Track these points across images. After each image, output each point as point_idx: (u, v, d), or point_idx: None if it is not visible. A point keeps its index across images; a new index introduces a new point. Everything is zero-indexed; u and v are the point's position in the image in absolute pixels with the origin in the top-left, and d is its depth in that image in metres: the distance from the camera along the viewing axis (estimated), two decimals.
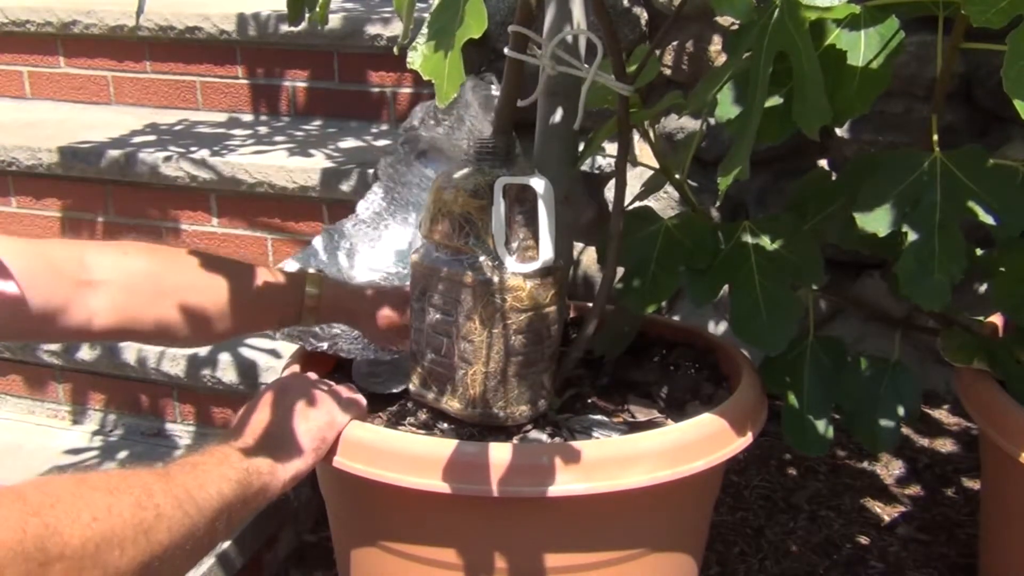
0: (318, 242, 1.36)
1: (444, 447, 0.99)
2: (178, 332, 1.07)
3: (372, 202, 1.40)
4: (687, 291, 1.17)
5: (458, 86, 0.80)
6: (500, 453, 0.98)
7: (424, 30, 0.82)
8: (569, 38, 1.17)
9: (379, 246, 1.36)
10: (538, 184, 1.03)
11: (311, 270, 1.20)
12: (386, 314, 1.20)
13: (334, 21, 1.97)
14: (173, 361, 1.60)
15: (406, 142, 1.45)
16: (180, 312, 1.06)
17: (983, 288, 1.70)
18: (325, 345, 1.23)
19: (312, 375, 1.11)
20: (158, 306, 1.05)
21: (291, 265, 1.31)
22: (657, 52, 1.59)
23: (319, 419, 1.02)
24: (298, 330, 1.23)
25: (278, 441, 0.99)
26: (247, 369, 1.57)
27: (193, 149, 1.83)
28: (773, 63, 0.94)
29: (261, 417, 1.01)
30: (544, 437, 1.09)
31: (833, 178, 1.29)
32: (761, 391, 1.16)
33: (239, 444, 0.96)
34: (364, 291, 1.23)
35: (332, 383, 1.09)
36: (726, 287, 1.15)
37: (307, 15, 1.11)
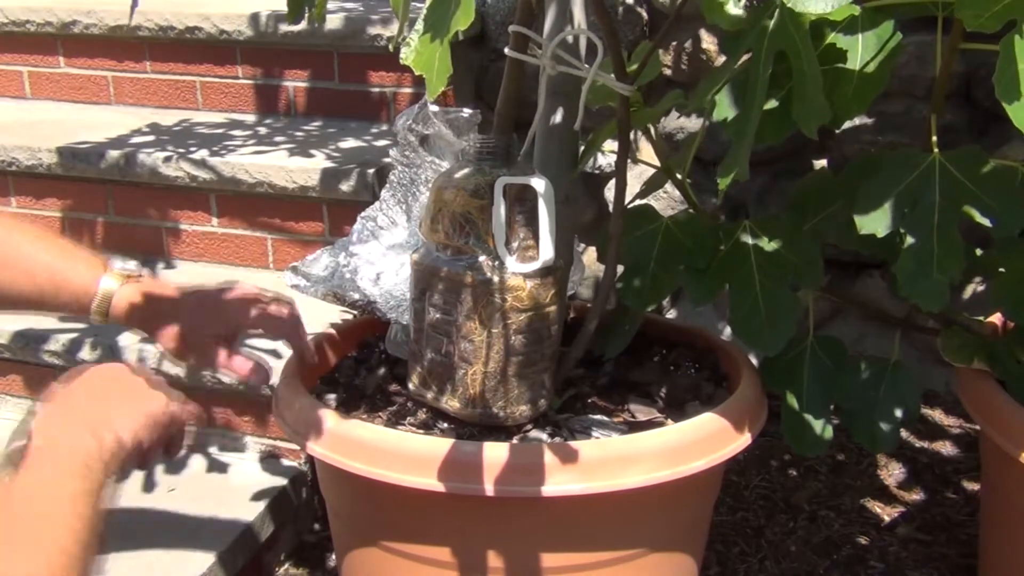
0: (356, 227, 1.37)
1: (442, 447, 0.99)
2: None
3: (393, 184, 1.41)
4: (686, 290, 1.17)
5: (445, 79, 0.82)
6: (497, 452, 0.98)
7: (418, 26, 0.84)
8: (569, 38, 1.17)
9: (399, 222, 1.37)
10: (538, 184, 1.03)
11: (121, 276, 1.10)
12: (173, 332, 1.09)
13: (334, 21, 1.97)
14: None
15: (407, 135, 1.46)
16: None
17: (983, 288, 1.70)
18: (357, 296, 1.25)
19: (128, 364, 1.02)
20: None
21: (319, 260, 1.33)
22: (657, 51, 1.58)
23: (144, 401, 0.93)
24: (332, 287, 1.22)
25: (102, 421, 0.89)
26: None
27: (193, 149, 1.83)
28: (772, 64, 0.94)
29: (77, 399, 0.90)
30: (544, 437, 1.09)
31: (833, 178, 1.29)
32: (761, 391, 1.16)
33: (64, 442, 0.85)
34: (163, 302, 1.11)
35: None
36: (726, 286, 1.16)
37: (307, 14, 1.11)
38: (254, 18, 2.01)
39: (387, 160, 1.50)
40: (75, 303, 1.08)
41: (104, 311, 1.08)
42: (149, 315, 1.09)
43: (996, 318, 1.32)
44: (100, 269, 1.09)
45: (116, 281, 1.09)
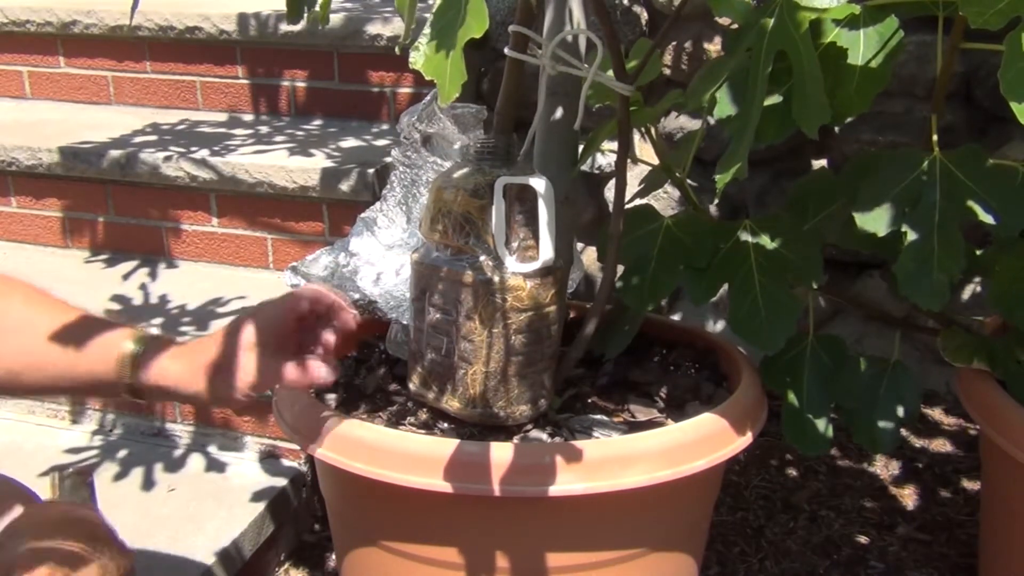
0: (356, 228, 1.37)
1: (445, 447, 0.99)
2: None
3: (394, 184, 1.41)
4: (686, 290, 1.17)
5: (460, 86, 0.80)
6: (501, 452, 0.98)
7: (426, 30, 0.83)
8: (569, 38, 1.17)
9: (398, 222, 1.37)
10: (538, 184, 1.03)
11: (133, 347, 0.93)
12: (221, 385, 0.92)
13: (334, 21, 1.97)
14: None
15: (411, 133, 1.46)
16: None
17: (983, 288, 1.70)
18: (357, 296, 1.26)
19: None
20: None
21: (318, 260, 1.33)
22: (657, 51, 1.59)
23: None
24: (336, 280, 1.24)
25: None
26: None
27: (193, 149, 1.84)
28: (772, 62, 0.94)
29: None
30: (545, 437, 1.09)
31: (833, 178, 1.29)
32: (761, 391, 1.16)
33: None
34: (204, 340, 0.95)
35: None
36: (725, 286, 1.16)
37: (306, 14, 1.11)
38: (254, 18, 2.02)
39: (387, 160, 1.50)
40: (101, 363, 0.92)
41: (134, 367, 0.92)
42: (194, 351, 0.93)
43: (996, 318, 1.32)
44: (127, 330, 0.94)
45: (141, 342, 0.93)
